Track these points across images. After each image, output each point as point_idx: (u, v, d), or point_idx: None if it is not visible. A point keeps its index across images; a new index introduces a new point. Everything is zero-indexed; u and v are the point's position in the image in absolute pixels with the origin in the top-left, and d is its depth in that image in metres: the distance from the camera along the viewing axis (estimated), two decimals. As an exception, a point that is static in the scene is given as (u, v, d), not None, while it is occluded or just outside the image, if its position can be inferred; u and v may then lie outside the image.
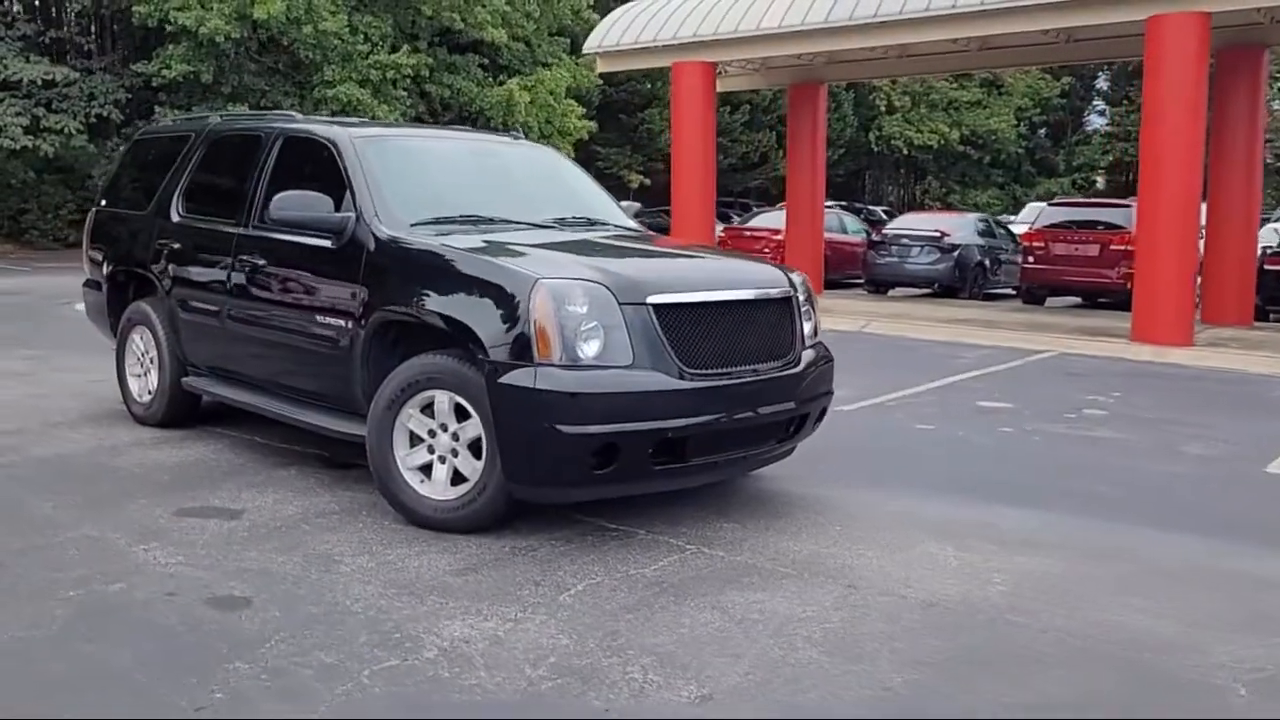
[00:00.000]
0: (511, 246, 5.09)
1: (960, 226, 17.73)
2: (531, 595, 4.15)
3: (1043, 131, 54.16)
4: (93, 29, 27.35)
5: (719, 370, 4.79)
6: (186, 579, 4.23)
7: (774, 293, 5.18)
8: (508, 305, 4.58)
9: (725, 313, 4.92)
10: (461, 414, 4.81)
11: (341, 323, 5.30)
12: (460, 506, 4.80)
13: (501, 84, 27.75)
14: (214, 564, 4.41)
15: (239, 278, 5.96)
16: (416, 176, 5.77)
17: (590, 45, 16.34)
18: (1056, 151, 53.09)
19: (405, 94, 26.10)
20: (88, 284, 7.50)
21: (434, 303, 4.83)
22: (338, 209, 5.35)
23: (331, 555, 4.54)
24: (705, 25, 14.96)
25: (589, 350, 4.52)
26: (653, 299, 4.65)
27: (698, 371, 4.70)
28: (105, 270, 7.14)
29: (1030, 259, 16.57)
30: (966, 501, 5.64)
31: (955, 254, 16.95)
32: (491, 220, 5.58)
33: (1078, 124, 55.57)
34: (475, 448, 4.81)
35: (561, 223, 5.90)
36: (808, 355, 5.28)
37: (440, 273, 4.89)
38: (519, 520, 4.94)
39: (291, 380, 5.76)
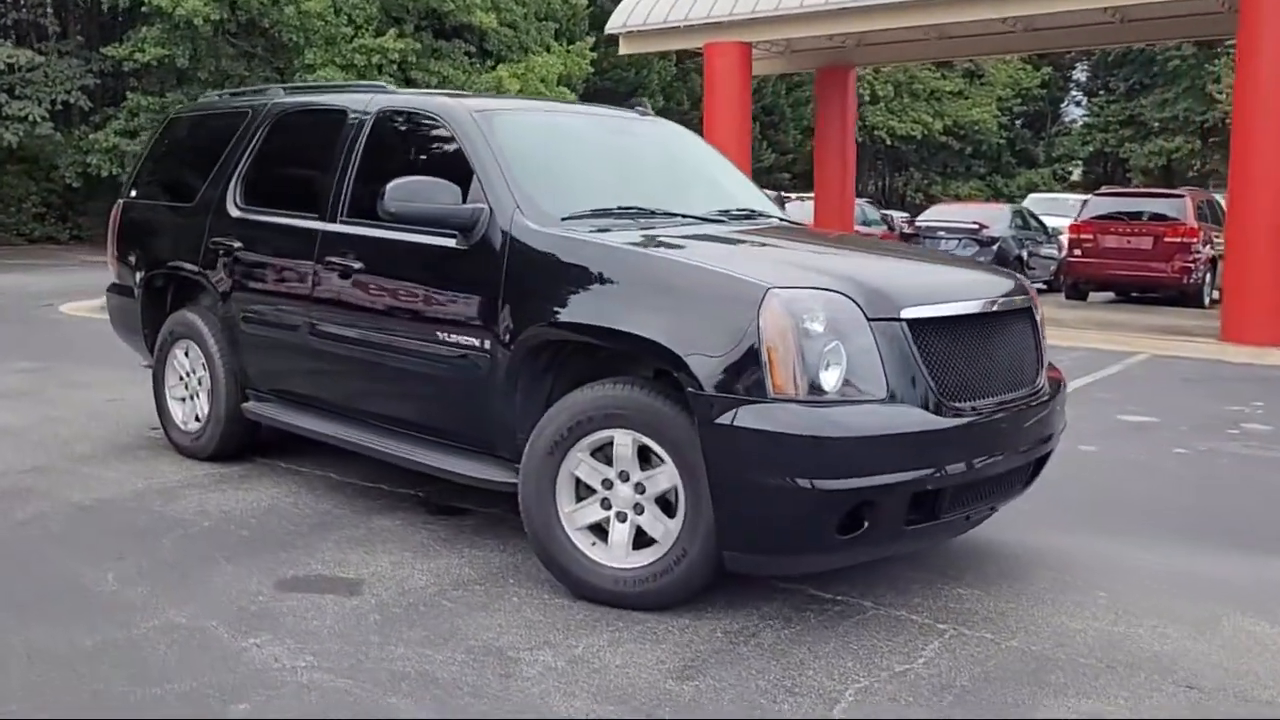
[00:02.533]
0: (704, 246, 4.07)
1: (997, 218, 16.88)
2: (792, 709, 3.14)
3: (1019, 122, 53.67)
4: (56, 10, 25.78)
5: (979, 401, 3.80)
6: (328, 691, 3.18)
7: (1017, 301, 4.19)
8: (727, 322, 3.55)
9: (978, 328, 3.93)
10: (646, 458, 3.79)
11: (474, 341, 4.24)
12: (650, 578, 3.77)
13: (491, 70, 26.55)
14: (355, 665, 3.35)
15: (326, 284, 4.87)
16: (555, 160, 4.72)
17: (614, 25, 15.26)
18: (1036, 142, 52.62)
19: (390, 80, 24.81)
20: (115, 290, 6.35)
21: (616, 318, 3.79)
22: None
23: (502, 649, 3.50)
24: (741, 3, 13.93)
25: (832, 380, 3.50)
26: (907, 312, 3.64)
27: (958, 405, 3.70)
28: (139, 274, 6.00)
29: (1077, 251, 15.73)
30: (1219, 550, 4.70)
31: (995, 247, 16.08)
32: (653, 213, 4.54)
33: (1056, 115, 55.16)
34: (666, 503, 3.79)
35: (727, 215, 4.86)
36: (1048, 379, 4.31)
37: (625, 281, 3.85)
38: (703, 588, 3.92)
39: (398, 410, 4.69)
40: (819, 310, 3.52)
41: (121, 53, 23.20)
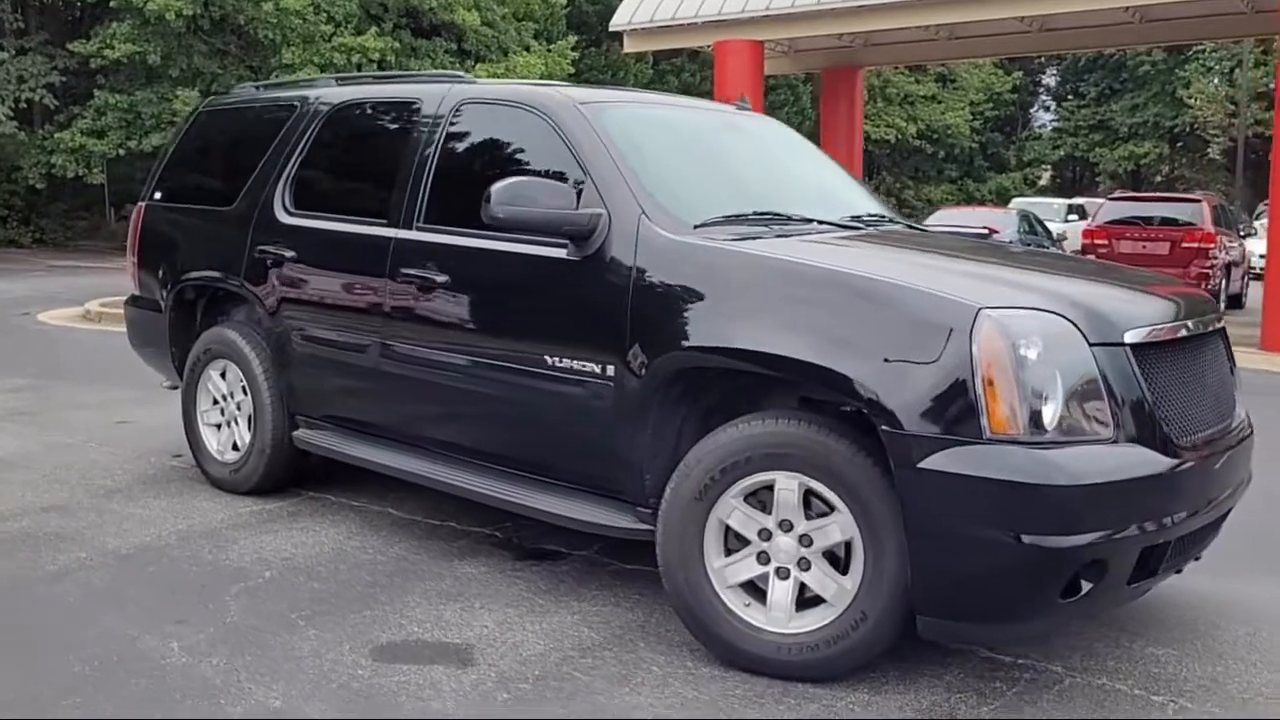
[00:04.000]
0: (874, 257, 3.55)
1: (1006, 223, 16.48)
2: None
3: (990, 126, 53.70)
4: (18, 4, 24.80)
5: (1198, 436, 3.30)
6: (481, 802, 2.60)
7: (1215, 320, 3.71)
8: (930, 348, 3.02)
9: (1191, 352, 3.45)
10: (810, 504, 3.26)
11: (592, 366, 3.68)
12: (819, 645, 3.24)
13: (471, 70, 25.87)
14: (502, 764, 2.78)
15: (402, 299, 4.29)
16: (674, 159, 4.18)
17: (619, 22, 14.71)
18: (1007, 146, 52.67)
19: (371, 79, 24.07)
20: (135, 303, 5.71)
21: (785, 344, 3.25)
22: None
23: (667, 737, 2.95)
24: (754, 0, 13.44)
25: (1052, 416, 2.98)
26: (1130, 335, 3.14)
27: (1183, 442, 3.19)
28: (167, 285, 5.37)
29: (1092, 257, 15.34)
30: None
31: (1005, 253, 15.63)
32: (789, 218, 4.01)
33: (1026, 120, 55.30)
34: (834, 557, 3.26)
35: (861, 220, 4.34)
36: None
37: (792, 300, 3.31)
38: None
39: (493, 443, 4.12)
40: (1036, 334, 3.00)
41: (89, 49, 22.34)
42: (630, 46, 15.16)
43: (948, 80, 47.22)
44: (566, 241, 3.78)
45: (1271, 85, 44.52)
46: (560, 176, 3.89)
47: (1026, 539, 2.90)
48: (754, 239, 3.66)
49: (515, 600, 3.91)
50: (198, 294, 5.39)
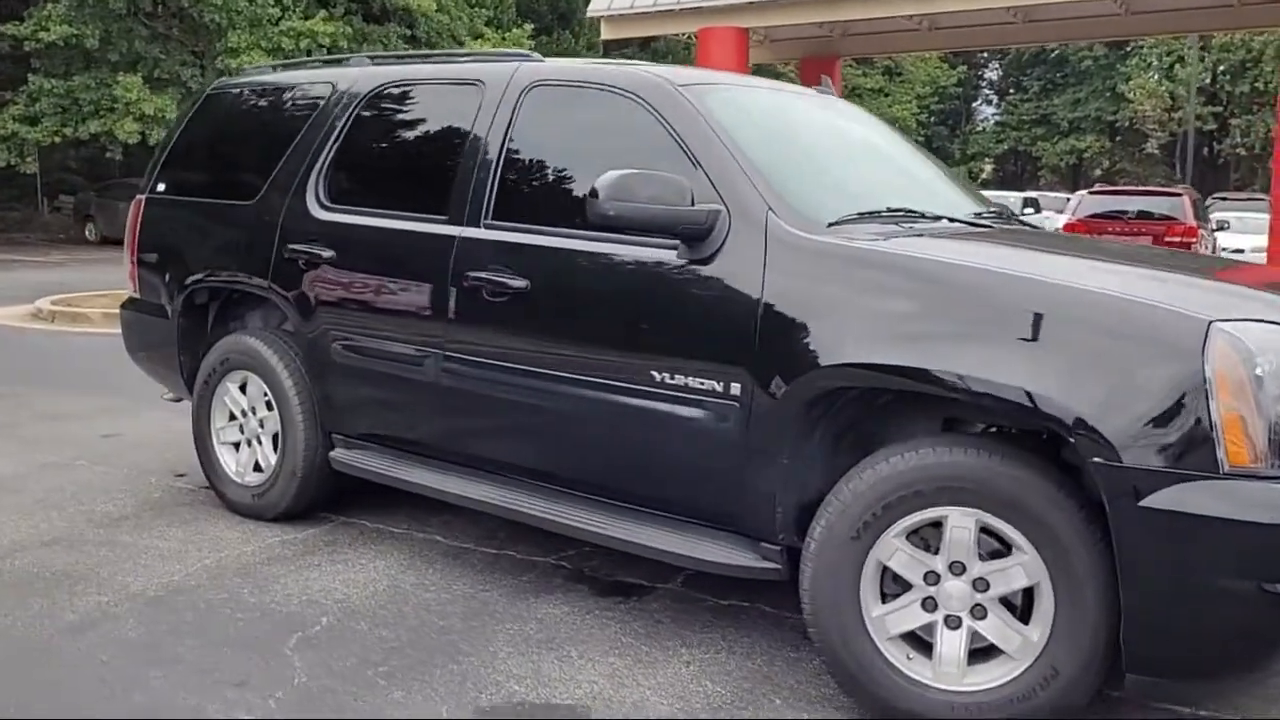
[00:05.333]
0: (1051, 261, 3.15)
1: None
2: None
3: (935, 120, 53.98)
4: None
5: None
6: None
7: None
8: (1151, 367, 2.62)
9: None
10: (985, 543, 2.85)
11: (713, 384, 3.23)
12: (1000, 704, 2.84)
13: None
14: None
15: (468, 305, 3.80)
16: (789, 149, 3.73)
17: (596, 8, 14.20)
18: (953, 140, 53.01)
19: (321, 66, 23.25)
20: (134, 306, 5.13)
21: (967, 361, 2.83)
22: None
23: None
24: (739, -15, 13.02)
25: (1287, 447, 2.60)
26: (1362, 353, 2.75)
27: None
28: (175, 288, 4.80)
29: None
30: None
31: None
32: (922, 215, 3.59)
33: (970, 113, 55.70)
34: (1011, 604, 2.85)
35: (984, 217, 3.94)
36: None
37: (975, 310, 2.88)
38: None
39: (586, 471, 3.65)
40: (1272, 350, 2.61)
41: (23, 31, 21.20)
42: (609, 33, 14.64)
43: (894, 73, 47.30)
44: (676, 242, 3.32)
45: (1208, 81, 45.37)
46: (654, 168, 3.41)
47: (1272, 587, 2.51)
48: (901, 238, 3.23)
49: (615, 647, 3.46)
50: (211, 297, 4.83)
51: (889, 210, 3.50)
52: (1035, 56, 49.65)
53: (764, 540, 3.26)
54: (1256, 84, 43.40)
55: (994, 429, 3.14)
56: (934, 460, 2.87)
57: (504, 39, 26.93)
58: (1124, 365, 2.65)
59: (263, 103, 4.82)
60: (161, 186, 4.99)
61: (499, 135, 3.88)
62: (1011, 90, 53.72)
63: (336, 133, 4.36)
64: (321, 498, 4.58)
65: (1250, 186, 41.63)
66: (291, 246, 4.33)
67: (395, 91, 4.30)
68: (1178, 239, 14.36)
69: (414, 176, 4.20)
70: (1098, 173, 50.91)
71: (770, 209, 3.23)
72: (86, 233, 25.44)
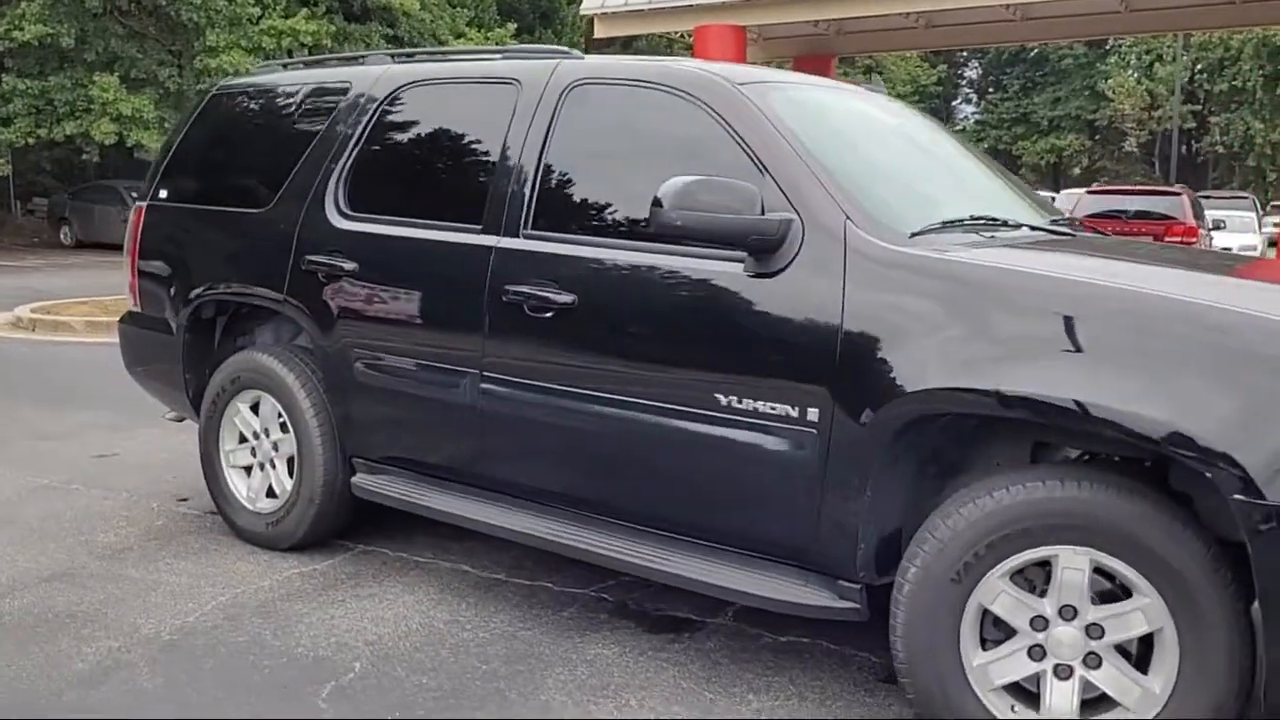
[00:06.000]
0: (1168, 275, 2.91)
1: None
2: None
3: (914, 118, 53.89)
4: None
5: None
6: None
7: None
8: (1293, 394, 2.38)
9: None
10: (1095, 584, 2.60)
11: (787, 409, 2.97)
12: (1122, 762, 2.57)
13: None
14: None
15: (508, 322, 3.52)
16: (854, 151, 3.46)
17: (590, 5, 13.90)
18: (932, 138, 52.95)
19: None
20: (134, 321, 4.82)
21: (1083, 386, 2.57)
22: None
23: None
24: (737, -18, 12.77)
25: None
26: None
27: None
28: (179, 301, 4.49)
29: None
30: None
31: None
32: (1003, 223, 3.34)
33: (949, 112, 55.74)
34: (1128, 650, 2.61)
35: (1058, 224, 3.69)
36: None
37: (1089, 327, 2.63)
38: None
39: (641, 501, 3.38)
40: None
41: (-5, 31, 20.72)
42: (602, 31, 14.33)
43: (875, 71, 47.20)
44: (741, 255, 3.06)
45: (1187, 79, 45.53)
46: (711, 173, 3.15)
47: None
48: (992, 249, 2.99)
49: (676, 693, 3.19)
50: (219, 311, 4.53)
51: (971, 218, 3.24)
52: (1015, 55, 49.71)
53: (842, 578, 3.00)
54: (1235, 82, 43.58)
55: (1085, 455, 2.90)
56: (1044, 495, 2.62)
57: (487, 39, 26.59)
58: (1265, 389, 2.40)
59: (273, 104, 4.52)
60: (163, 193, 4.69)
61: (538, 138, 3.60)
62: (991, 89, 53.80)
63: (356, 136, 4.07)
64: (339, 526, 4.30)
65: (1229, 185, 41.81)
66: (310, 258, 4.03)
67: (421, 91, 4.01)
68: (1178, 239, 14.19)
69: (443, 183, 3.92)
70: (1077, 171, 51.03)
71: (848, 219, 2.97)
72: (61, 236, 24.95)
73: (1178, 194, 15.40)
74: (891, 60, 46.46)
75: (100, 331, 10.51)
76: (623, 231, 3.39)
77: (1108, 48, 45.72)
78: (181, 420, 4.93)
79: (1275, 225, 27.78)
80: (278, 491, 4.29)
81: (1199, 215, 15.19)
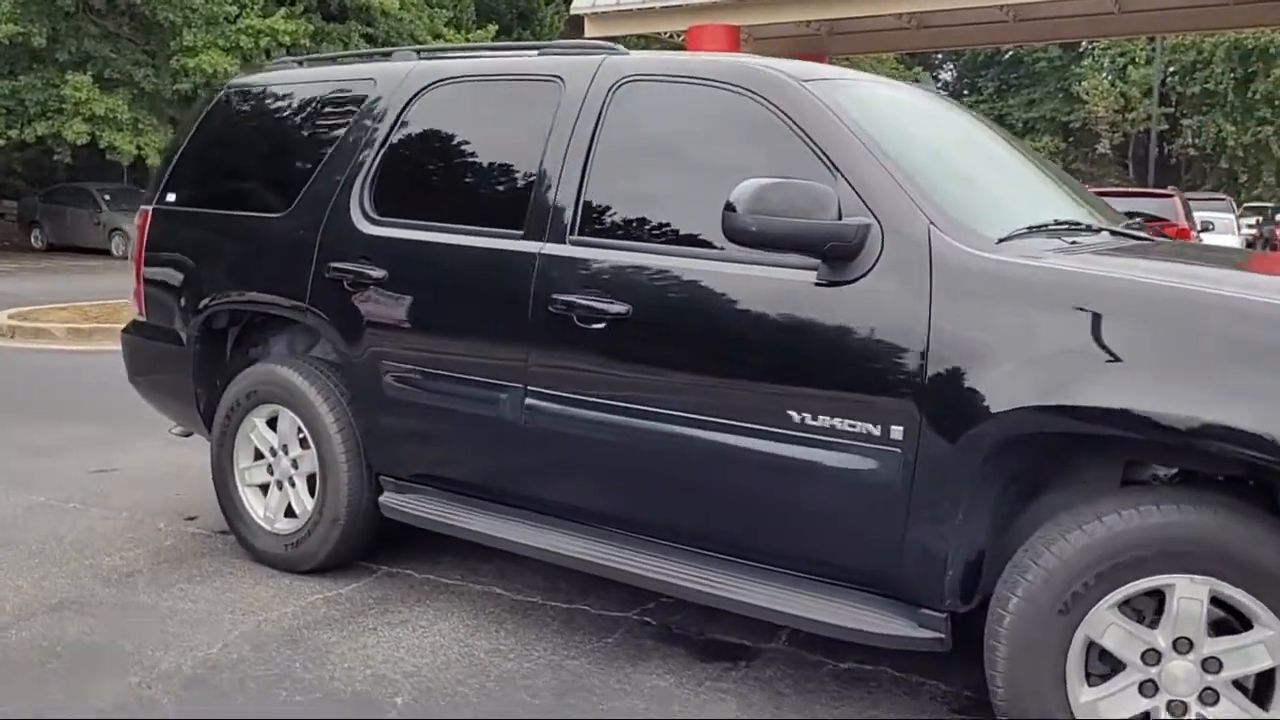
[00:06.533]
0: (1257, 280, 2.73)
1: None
2: None
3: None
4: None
5: None
6: None
7: None
8: None
9: None
10: (1218, 617, 2.43)
11: (868, 427, 2.79)
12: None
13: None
14: None
15: (555, 334, 3.31)
16: (926, 152, 3.27)
17: (580, 5, 13.71)
18: (908, 140, 53.10)
19: (280, 66, 22.46)
20: (139, 331, 4.56)
21: (1192, 402, 2.39)
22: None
23: None
24: (730, -18, 12.60)
25: None
26: None
27: None
28: (190, 310, 4.25)
29: None
30: None
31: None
32: (1086, 227, 3.17)
33: (925, 113, 55.85)
34: (1244, 686, 2.44)
35: (1132, 228, 3.52)
36: None
37: (1194, 338, 2.46)
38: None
39: (701, 523, 3.18)
40: None
41: (-36, 29, 20.24)
42: (593, 31, 14.10)
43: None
44: (814, 261, 2.86)
45: (1159, 82, 45.85)
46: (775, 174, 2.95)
47: None
48: (1086, 256, 2.81)
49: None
50: (232, 321, 4.29)
51: (1055, 223, 3.07)
52: (990, 58, 49.89)
53: (926, 606, 2.81)
54: (1207, 85, 43.93)
55: (1179, 474, 2.74)
56: (1159, 520, 2.44)
57: (467, 40, 26.30)
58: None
59: (289, 103, 4.28)
60: (171, 197, 4.44)
61: (584, 139, 3.39)
62: (967, 91, 53.91)
63: (383, 136, 3.85)
64: (363, 546, 4.08)
65: (1202, 186, 42.08)
66: (334, 265, 3.81)
67: (453, 89, 3.79)
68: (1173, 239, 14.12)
69: (479, 186, 3.71)
70: (1052, 173, 51.22)
71: (932, 224, 2.78)
72: (32, 239, 24.48)
73: (1170, 195, 15.34)
74: (867, 62, 46.44)
75: (82, 339, 10.22)
76: (679, 237, 3.20)
77: (1081, 50, 45.96)
78: (189, 435, 4.69)
79: (1249, 227, 28.01)
80: (297, 511, 4.06)
81: (1189, 217, 15.13)
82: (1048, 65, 47.64)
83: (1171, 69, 45.38)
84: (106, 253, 22.10)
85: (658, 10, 13.13)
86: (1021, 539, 2.85)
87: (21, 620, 3.62)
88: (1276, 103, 41.09)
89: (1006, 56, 49.04)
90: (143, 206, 4.54)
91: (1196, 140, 45.09)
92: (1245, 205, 34.66)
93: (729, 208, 2.77)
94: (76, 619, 3.64)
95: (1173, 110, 46.03)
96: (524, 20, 34.04)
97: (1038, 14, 13.58)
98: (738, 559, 3.12)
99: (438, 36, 27.17)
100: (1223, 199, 26.48)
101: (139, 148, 21.14)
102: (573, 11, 14.20)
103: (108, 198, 23.08)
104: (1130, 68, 44.93)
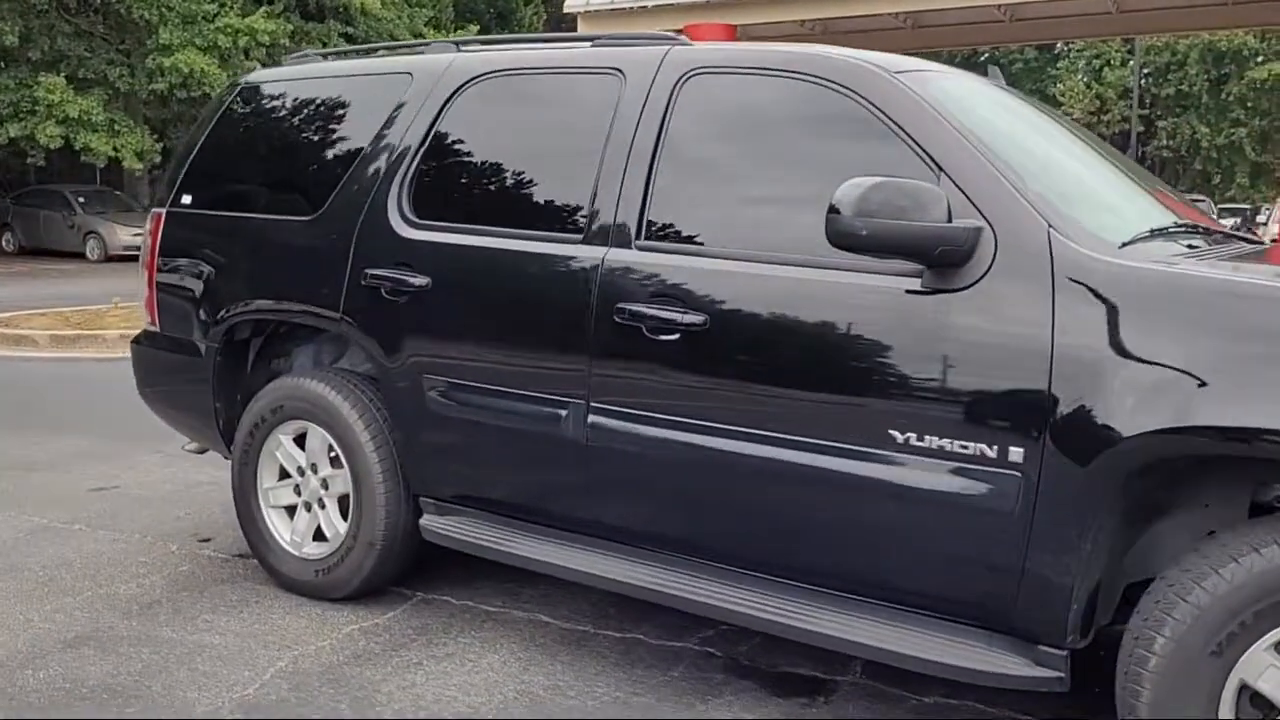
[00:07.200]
0: None
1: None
2: None
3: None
4: None
5: None
6: None
7: None
8: None
9: None
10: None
11: (983, 448, 2.56)
12: None
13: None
14: None
15: (624, 346, 3.07)
16: (1031, 150, 3.06)
17: (573, 4, 13.47)
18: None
19: (259, 65, 22.09)
20: (151, 341, 4.28)
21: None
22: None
23: None
24: (728, -20, 12.39)
25: None
26: None
27: None
28: (210, 320, 3.97)
29: None
30: None
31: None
32: (1206, 231, 2.96)
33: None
34: None
35: (1235, 230, 3.32)
36: None
37: None
38: None
39: (789, 553, 2.94)
40: None
41: (-66, 28, 19.77)
42: (586, 30, 13.87)
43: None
44: (918, 268, 2.64)
45: (1134, 83, 46.10)
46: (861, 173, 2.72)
47: None
48: (1213, 261, 2.61)
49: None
50: (255, 331, 4.02)
51: (1175, 225, 2.85)
52: (967, 60, 49.97)
53: (1046, 643, 2.58)
54: (1181, 86, 44.21)
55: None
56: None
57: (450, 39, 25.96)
58: None
59: (316, 98, 4.01)
60: (187, 199, 4.16)
61: (649, 136, 3.15)
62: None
63: (423, 133, 3.59)
64: (399, 572, 3.82)
65: (1176, 188, 42.30)
66: (371, 272, 3.54)
67: (500, 82, 3.54)
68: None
69: (531, 187, 3.45)
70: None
71: (1052, 226, 2.56)
72: (3, 243, 23.96)
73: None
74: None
75: (65, 346, 9.89)
76: (759, 242, 2.96)
77: (1056, 52, 46.14)
78: (204, 452, 4.41)
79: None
80: (328, 534, 3.80)
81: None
82: (1024, 67, 47.77)
83: (1146, 71, 45.64)
84: (81, 256, 21.64)
85: (651, 9, 12.91)
86: (1138, 568, 2.65)
87: (36, 659, 3.34)
88: (1250, 104, 41.42)
89: (983, 58, 49.16)
90: (155, 209, 4.26)
91: (1171, 142, 45.37)
92: (1219, 207, 34.88)
93: (833, 210, 2.54)
94: (98, 657, 3.36)
95: (1147, 112, 46.28)
96: (503, 20, 33.76)
97: (1034, 14, 13.47)
98: (822, 588, 2.88)
99: (418, 36, 26.86)
100: (1203, 200, 26.57)
101: (115, 149, 20.70)
102: (565, 10, 13.94)
103: (81, 200, 22.61)
104: (1106, 69, 45.14)
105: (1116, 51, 44.13)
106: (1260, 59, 40.21)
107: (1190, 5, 12.95)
